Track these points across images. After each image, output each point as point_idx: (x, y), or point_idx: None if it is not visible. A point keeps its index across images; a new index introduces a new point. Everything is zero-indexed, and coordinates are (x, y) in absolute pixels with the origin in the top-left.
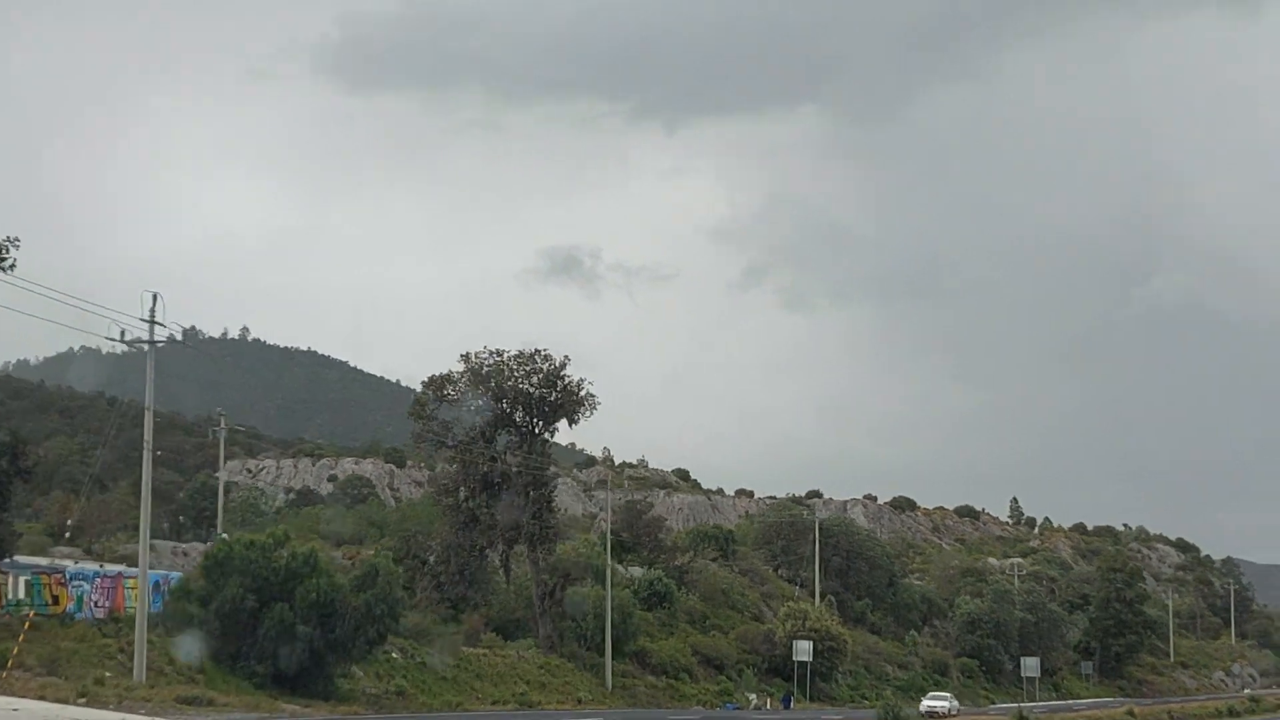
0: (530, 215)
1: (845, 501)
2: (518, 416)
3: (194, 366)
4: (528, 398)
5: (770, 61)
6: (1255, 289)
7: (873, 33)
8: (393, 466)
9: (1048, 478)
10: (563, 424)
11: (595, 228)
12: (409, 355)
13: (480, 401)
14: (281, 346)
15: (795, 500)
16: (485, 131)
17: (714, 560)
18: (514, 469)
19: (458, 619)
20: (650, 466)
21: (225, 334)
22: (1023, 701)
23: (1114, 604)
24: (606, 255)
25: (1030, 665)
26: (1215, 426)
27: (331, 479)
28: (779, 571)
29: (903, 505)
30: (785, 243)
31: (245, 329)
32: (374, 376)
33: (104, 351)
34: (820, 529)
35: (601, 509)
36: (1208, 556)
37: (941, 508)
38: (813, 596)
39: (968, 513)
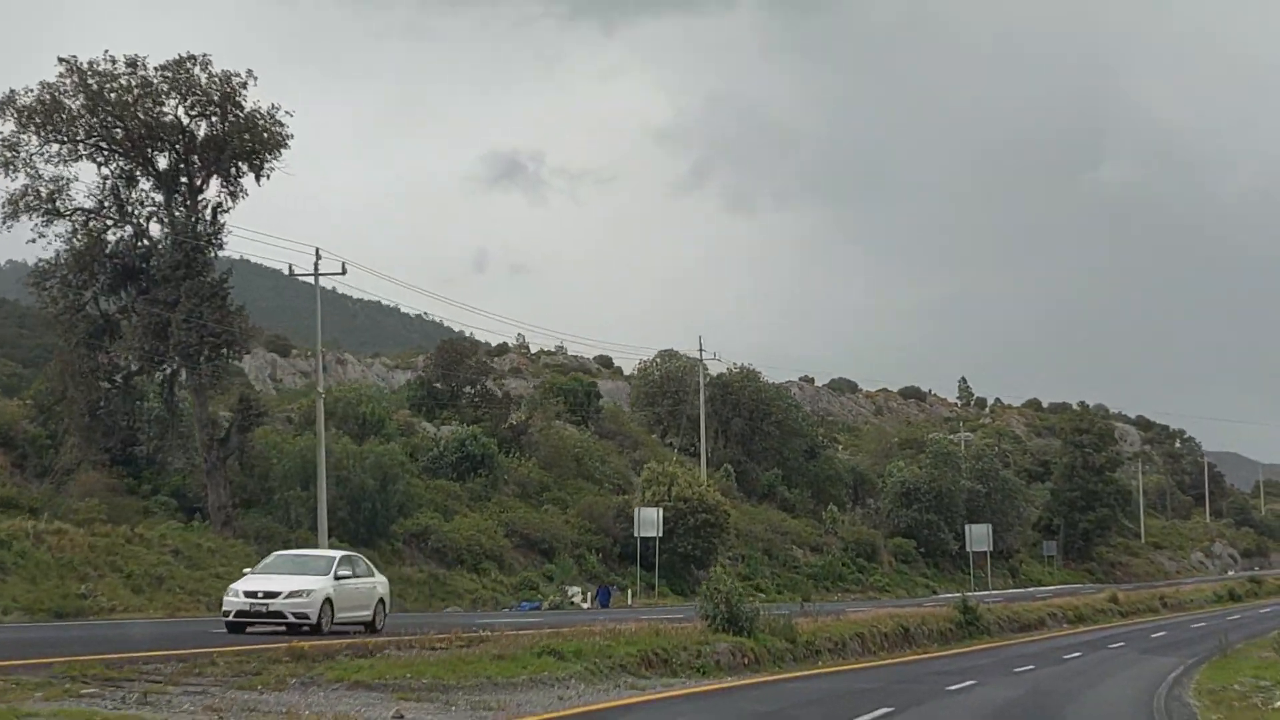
0: (469, 121)
1: (778, 385)
2: (163, 161)
3: None
4: (180, 132)
5: None
6: (1197, 178)
7: None
8: None
9: (1000, 365)
10: (245, 187)
11: (537, 132)
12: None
13: (98, 140)
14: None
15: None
16: (418, 35)
17: (570, 420)
18: (162, 243)
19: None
20: (570, 354)
21: None
22: (971, 589)
23: (1080, 471)
24: (550, 159)
25: (978, 535)
26: (1166, 313)
27: None
28: (666, 440)
29: (842, 387)
30: (728, 143)
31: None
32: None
33: None
34: (716, 383)
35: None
36: (1180, 430)
37: (885, 389)
38: (698, 461)
39: (913, 394)
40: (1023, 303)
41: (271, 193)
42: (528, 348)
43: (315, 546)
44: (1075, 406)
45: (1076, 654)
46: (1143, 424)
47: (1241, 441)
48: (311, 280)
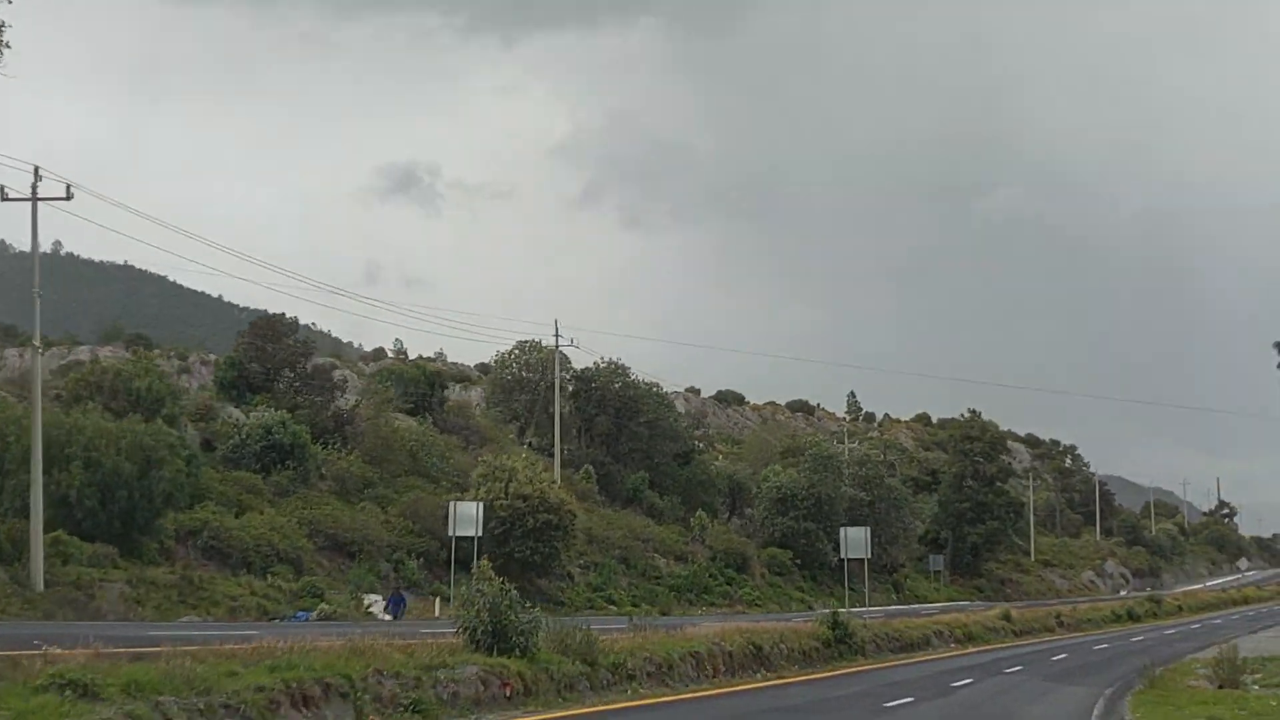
0: (366, 132)
1: (650, 383)
2: None
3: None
4: None
5: None
6: (1087, 203)
7: None
8: None
9: (890, 383)
10: None
11: (433, 145)
12: (240, 271)
13: None
14: (96, 261)
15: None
16: (317, 46)
17: (407, 411)
18: None
19: None
20: (450, 360)
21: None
22: (848, 605)
23: (969, 482)
24: (446, 173)
25: (855, 540)
26: (1053, 337)
27: None
28: (525, 438)
29: (729, 399)
30: (624, 160)
31: (58, 243)
32: (194, 292)
33: None
34: (579, 378)
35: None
36: (1072, 446)
37: (773, 403)
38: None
39: (801, 407)
40: (913, 324)
41: (160, 199)
42: (405, 354)
43: (27, 539)
44: (965, 414)
45: (967, 680)
46: (1031, 441)
47: (1125, 466)
48: (31, 206)
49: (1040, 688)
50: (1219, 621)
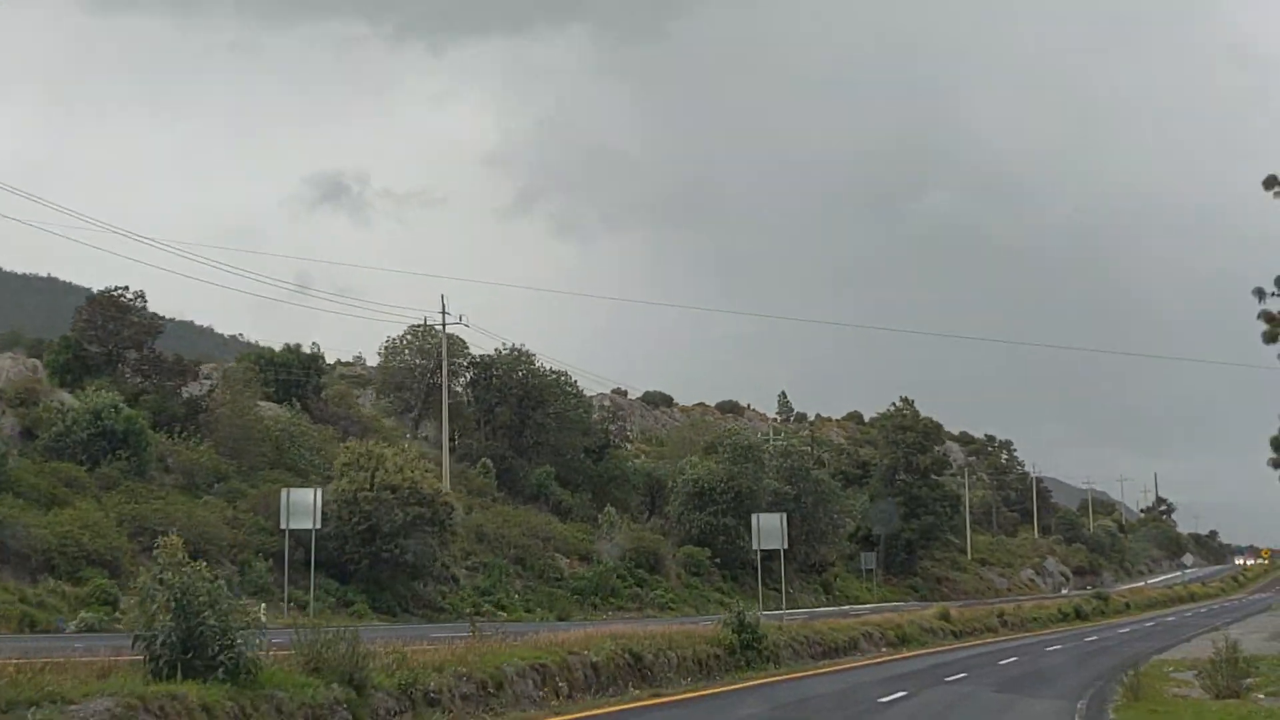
0: (294, 141)
1: (591, 396)
2: None
3: None
4: None
5: None
6: (1019, 208)
7: None
8: None
9: (823, 387)
10: None
11: (363, 154)
12: (169, 284)
13: None
14: (19, 274)
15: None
16: (243, 54)
17: (275, 399)
18: None
19: None
20: (368, 365)
21: None
22: (770, 607)
23: (902, 475)
24: (375, 181)
25: (769, 528)
26: (987, 340)
27: None
28: (420, 432)
29: (656, 400)
30: (557, 168)
31: None
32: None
33: None
34: (478, 364)
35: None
36: (1008, 441)
37: (702, 404)
38: (458, 455)
39: (731, 408)
40: (846, 327)
41: (83, 210)
42: (322, 357)
43: None
44: (897, 403)
45: (900, 694)
46: (965, 439)
47: (1060, 468)
48: None
49: (993, 702)
50: (1173, 619)
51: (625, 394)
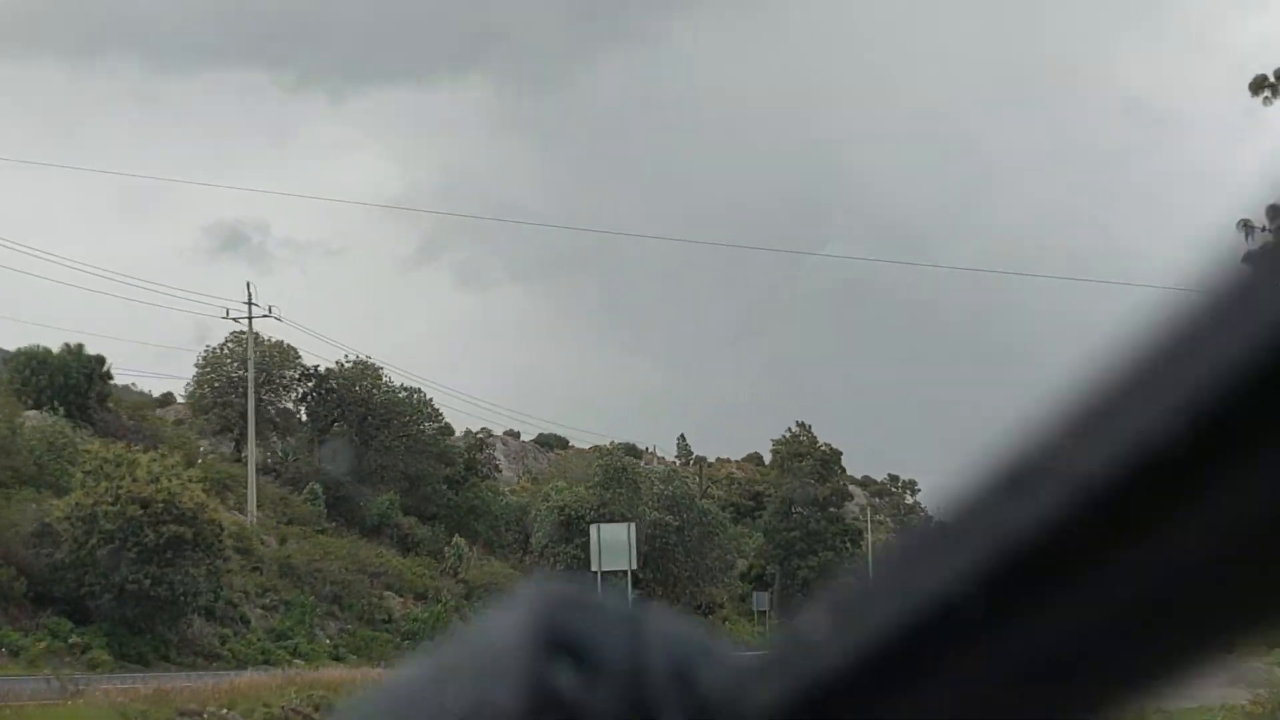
0: (192, 191)
1: (413, 389)
2: None
3: None
4: None
5: (435, 26)
6: (917, 260)
7: None
8: None
9: (724, 432)
10: None
11: (262, 203)
12: (66, 336)
13: None
14: None
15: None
16: (140, 102)
17: (50, 409)
18: None
19: None
20: None
21: None
22: None
23: (799, 508)
24: (275, 230)
25: (612, 543)
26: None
27: None
28: (241, 453)
29: (551, 443)
30: (459, 219)
31: None
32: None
33: None
34: (312, 376)
35: None
36: (913, 481)
37: (598, 446)
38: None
39: (629, 451)
40: (748, 376)
41: None
42: (104, 359)
43: None
44: (793, 428)
45: None
46: (866, 482)
47: None
48: None
49: None
50: None
51: (517, 435)
